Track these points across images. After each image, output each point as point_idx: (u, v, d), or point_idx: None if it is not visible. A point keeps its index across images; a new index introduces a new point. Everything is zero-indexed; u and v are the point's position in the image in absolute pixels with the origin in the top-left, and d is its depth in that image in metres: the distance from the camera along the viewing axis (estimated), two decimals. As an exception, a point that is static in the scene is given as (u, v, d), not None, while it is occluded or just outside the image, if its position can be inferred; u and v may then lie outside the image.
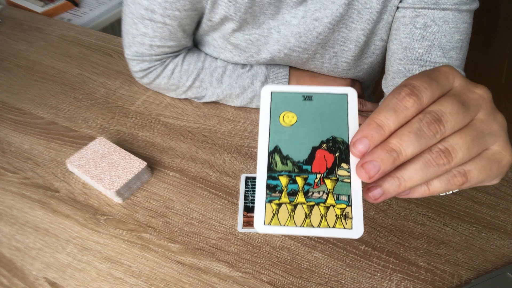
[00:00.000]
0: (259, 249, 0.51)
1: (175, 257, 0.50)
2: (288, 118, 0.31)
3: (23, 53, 0.82)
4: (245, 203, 0.55)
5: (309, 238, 0.52)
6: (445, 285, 0.48)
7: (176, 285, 0.47)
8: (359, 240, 0.52)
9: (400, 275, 0.49)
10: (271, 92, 0.32)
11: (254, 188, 0.57)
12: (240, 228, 0.53)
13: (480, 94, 0.28)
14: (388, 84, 0.64)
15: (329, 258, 0.50)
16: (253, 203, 0.55)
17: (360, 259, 0.50)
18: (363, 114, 0.68)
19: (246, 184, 0.58)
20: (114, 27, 1.14)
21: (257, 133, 0.66)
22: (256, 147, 0.63)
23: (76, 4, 1.12)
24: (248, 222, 0.53)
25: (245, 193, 0.57)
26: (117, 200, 0.55)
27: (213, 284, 0.48)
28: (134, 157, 0.57)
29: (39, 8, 1.03)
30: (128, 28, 0.62)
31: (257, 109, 0.70)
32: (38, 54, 0.82)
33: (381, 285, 0.48)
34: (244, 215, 0.54)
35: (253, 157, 0.62)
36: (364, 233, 0.28)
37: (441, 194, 0.36)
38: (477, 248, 0.51)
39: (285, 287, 0.47)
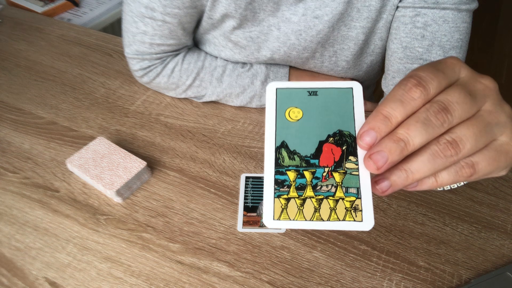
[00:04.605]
0: (259, 249, 0.51)
1: (175, 256, 0.50)
2: (294, 114, 0.31)
3: (23, 53, 0.82)
4: (245, 203, 0.55)
5: (309, 237, 0.52)
6: (445, 285, 0.48)
7: (176, 284, 0.47)
8: (359, 239, 0.52)
9: (400, 275, 0.49)
10: (276, 89, 0.32)
11: (254, 188, 0.57)
12: (240, 228, 0.53)
13: (486, 84, 0.28)
14: (388, 84, 0.64)
15: (329, 258, 0.50)
16: (253, 203, 0.55)
17: (360, 259, 0.50)
18: (364, 113, 0.67)
19: (246, 184, 0.58)
20: (114, 27, 1.14)
21: (257, 133, 0.66)
22: (256, 147, 0.63)
23: (76, 4, 1.12)
24: (248, 222, 0.53)
25: (245, 193, 0.57)
26: (117, 200, 0.55)
27: (213, 284, 0.47)
28: (134, 157, 0.57)
29: (39, 8, 1.03)
30: (128, 26, 0.62)
31: (257, 109, 0.70)
32: (38, 54, 0.82)
33: (381, 284, 0.48)
34: (244, 215, 0.54)
35: (253, 157, 0.62)
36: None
37: (445, 188, 0.36)
38: (477, 248, 0.51)
39: (285, 287, 0.47)
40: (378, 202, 0.56)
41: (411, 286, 0.47)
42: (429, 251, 0.51)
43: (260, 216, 0.54)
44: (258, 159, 0.61)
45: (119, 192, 0.54)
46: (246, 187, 0.57)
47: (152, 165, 0.60)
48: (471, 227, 0.53)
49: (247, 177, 0.59)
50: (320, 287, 0.47)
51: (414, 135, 0.26)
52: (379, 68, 0.73)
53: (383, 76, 0.66)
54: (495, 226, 0.54)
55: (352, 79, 0.72)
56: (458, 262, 0.50)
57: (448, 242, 0.52)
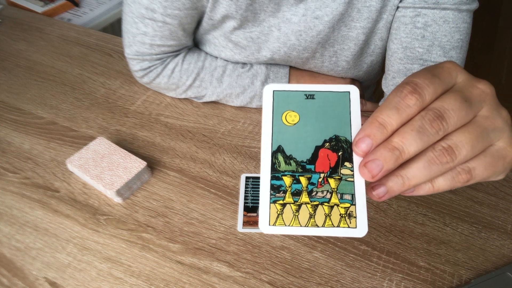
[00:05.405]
0: (259, 249, 0.51)
1: (175, 257, 0.50)
2: (291, 117, 0.31)
3: (23, 53, 0.82)
4: (245, 203, 0.55)
5: (309, 238, 0.52)
6: (445, 285, 0.48)
7: (176, 285, 0.47)
8: (359, 240, 0.52)
9: (400, 275, 0.49)
10: (273, 91, 0.32)
11: (254, 188, 0.57)
12: (240, 228, 0.53)
13: (483, 89, 0.28)
14: (388, 84, 0.64)
15: (329, 258, 0.50)
16: (253, 203, 0.55)
17: (360, 259, 0.50)
18: (364, 114, 0.67)
19: (246, 184, 0.58)
20: (114, 27, 1.13)
21: (257, 133, 0.66)
22: (256, 147, 0.63)
23: (76, 4, 1.12)
24: (248, 222, 0.53)
25: (245, 193, 0.57)
26: (117, 200, 0.55)
27: (213, 284, 0.47)
28: (134, 157, 0.57)
29: (39, 8, 1.03)
30: (128, 27, 0.62)
31: (257, 109, 0.70)
32: (38, 54, 0.82)
33: (381, 285, 0.48)
34: (244, 215, 0.54)
35: (253, 157, 0.62)
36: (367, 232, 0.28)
37: None
38: (477, 248, 0.51)
39: (285, 287, 0.47)
40: (379, 202, 0.56)
41: (411, 286, 0.47)
42: (429, 251, 0.51)
43: (260, 216, 0.54)
44: (258, 159, 0.61)
45: (119, 192, 0.54)
46: (246, 187, 0.57)
47: (152, 165, 0.60)
48: (471, 227, 0.53)
49: (247, 177, 0.58)
50: (320, 287, 0.47)
51: (409, 143, 0.26)
52: (379, 68, 0.73)
53: (383, 76, 0.66)
54: (495, 226, 0.54)
55: (352, 79, 0.72)
56: (458, 262, 0.50)
57: (448, 242, 0.52)
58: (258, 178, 0.58)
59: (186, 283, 0.48)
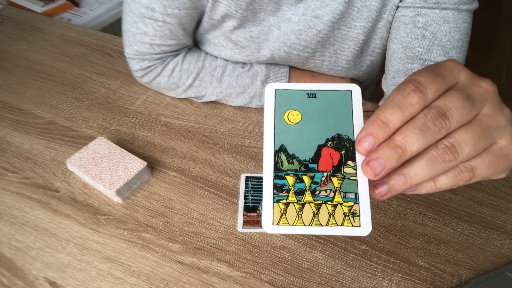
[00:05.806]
0: (259, 249, 0.51)
1: (175, 256, 0.50)
2: (293, 116, 0.31)
3: (23, 53, 0.82)
4: (245, 203, 0.55)
5: (309, 237, 0.52)
6: (445, 285, 0.48)
7: (176, 284, 0.47)
8: (359, 239, 0.52)
9: (400, 275, 0.48)
10: (275, 90, 0.32)
11: (254, 188, 0.57)
12: (240, 228, 0.53)
13: (485, 88, 0.28)
14: (388, 84, 0.64)
15: (329, 258, 0.50)
16: (253, 203, 0.55)
17: (360, 259, 0.50)
18: (364, 114, 0.67)
19: (246, 184, 0.58)
20: (114, 27, 1.13)
21: (257, 133, 0.66)
22: (256, 147, 0.63)
23: (76, 4, 1.12)
24: (248, 222, 0.53)
25: (245, 193, 0.57)
26: (117, 199, 0.55)
27: (213, 284, 0.47)
28: (134, 157, 0.57)
29: (39, 8, 1.03)
30: (128, 27, 0.62)
31: (257, 109, 0.70)
32: (38, 54, 0.82)
33: (381, 284, 0.48)
34: (244, 214, 0.54)
35: (253, 157, 0.62)
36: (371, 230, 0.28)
37: None
38: (477, 248, 0.51)
39: (285, 287, 0.47)
40: (379, 202, 0.56)
41: (411, 286, 0.47)
42: (429, 251, 0.51)
43: (260, 216, 0.54)
44: (258, 159, 0.61)
45: (119, 192, 0.54)
46: (246, 187, 0.57)
47: (152, 165, 0.60)
48: (471, 227, 0.53)
49: (247, 177, 0.58)
50: (320, 287, 0.47)
51: (412, 142, 0.26)
52: (379, 68, 0.73)
53: (383, 76, 0.66)
54: (495, 226, 0.54)
55: (352, 79, 0.72)
56: (458, 262, 0.50)
57: (448, 242, 0.52)
58: (258, 178, 0.58)
59: (186, 283, 0.48)
